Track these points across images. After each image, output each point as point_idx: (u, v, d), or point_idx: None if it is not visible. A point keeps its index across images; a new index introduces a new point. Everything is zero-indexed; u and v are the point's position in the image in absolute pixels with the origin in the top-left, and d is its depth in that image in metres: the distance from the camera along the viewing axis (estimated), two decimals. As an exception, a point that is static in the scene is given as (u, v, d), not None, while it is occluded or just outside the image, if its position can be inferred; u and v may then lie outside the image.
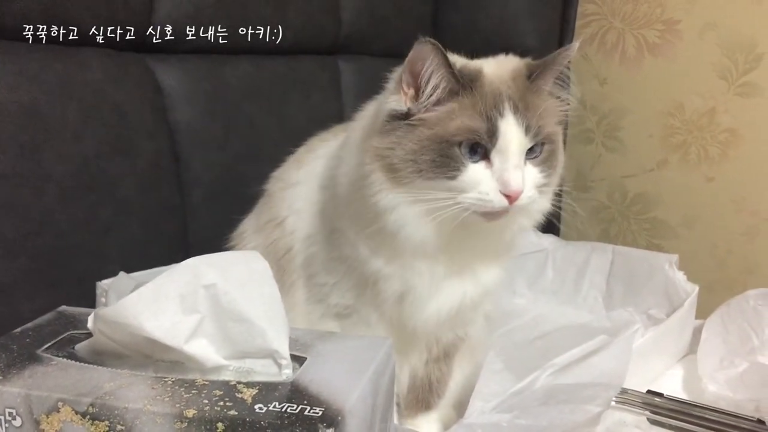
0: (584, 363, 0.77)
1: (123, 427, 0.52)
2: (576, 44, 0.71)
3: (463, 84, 0.67)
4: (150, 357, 0.59)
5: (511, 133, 0.67)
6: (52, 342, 0.62)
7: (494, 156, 0.67)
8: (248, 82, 1.18)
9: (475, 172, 0.67)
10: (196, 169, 1.11)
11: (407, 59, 0.67)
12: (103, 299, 0.90)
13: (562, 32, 1.51)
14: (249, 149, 1.16)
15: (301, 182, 0.84)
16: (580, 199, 1.67)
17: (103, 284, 0.91)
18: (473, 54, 1.47)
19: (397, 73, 0.70)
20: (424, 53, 0.66)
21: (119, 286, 0.89)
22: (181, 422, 0.51)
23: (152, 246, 1.05)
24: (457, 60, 0.71)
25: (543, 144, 0.70)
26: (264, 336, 0.58)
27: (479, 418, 0.66)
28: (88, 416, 0.53)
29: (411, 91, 0.68)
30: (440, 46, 0.66)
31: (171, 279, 0.59)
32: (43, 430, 0.54)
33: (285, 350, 0.59)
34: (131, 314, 0.56)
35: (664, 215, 1.57)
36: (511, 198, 0.66)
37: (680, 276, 1.07)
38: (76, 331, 0.64)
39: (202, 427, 0.51)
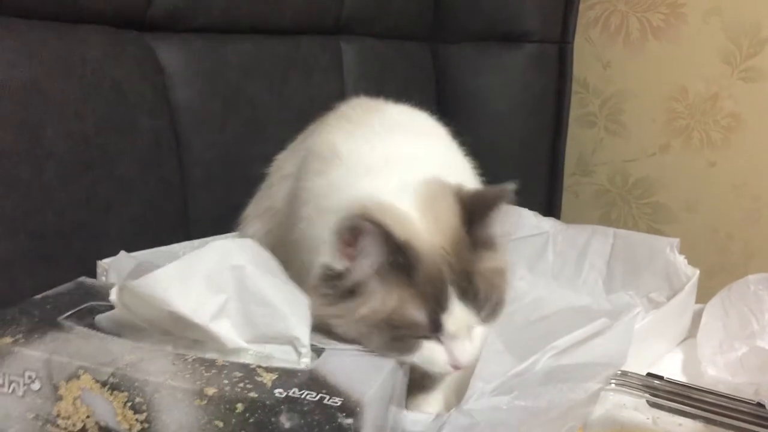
0: (585, 346, 0.77)
1: (142, 399, 0.52)
2: (513, 186, 0.66)
3: (403, 264, 0.62)
4: (170, 334, 0.59)
5: (459, 322, 0.63)
6: (73, 311, 0.62)
7: (443, 337, 0.63)
8: (249, 61, 1.17)
9: (429, 349, 0.63)
10: (197, 148, 1.10)
11: (347, 227, 0.61)
12: (104, 278, 0.90)
13: (565, 15, 1.50)
14: (249, 129, 1.16)
15: (295, 175, 0.82)
16: (581, 183, 1.68)
17: (104, 263, 0.91)
18: (476, 37, 1.47)
19: (337, 228, 0.63)
20: (364, 230, 0.60)
21: (120, 265, 0.89)
22: (201, 399, 0.51)
23: (152, 225, 1.04)
24: (398, 230, 0.62)
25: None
26: (285, 322, 0.58)
27: (478, 401, 0.66)
28: (108, 386, 0.53)
29: (350, 251, 0.62)
30: (383, 224, 0.60)
31: (200, 258, 0.59)
32: (62, 395, 0.54)
33: (306, 338, 0.59)
34: (160, 288, 0.56)
35: (665, 200, 1.57)
36: (458, 367, 0.65)
37: (681, 260, 1.07)
38: (96, 302, 0.64)
39: (222, 406, 0.51)
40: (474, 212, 0.65)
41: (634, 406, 0.84)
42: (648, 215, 1.60)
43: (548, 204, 1.56)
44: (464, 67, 1.49)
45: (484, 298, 0.64)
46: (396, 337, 0.62)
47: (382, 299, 0.62)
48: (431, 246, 0.63)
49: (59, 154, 0.92)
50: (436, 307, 0.62)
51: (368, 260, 0.61)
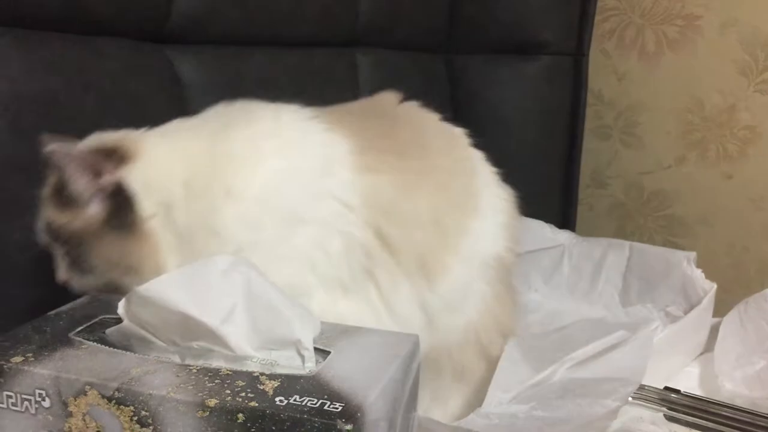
0: (603, 358, 0.77)
1: (147, 413, 0.53)
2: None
3: None
4: (176, 344, 0.59)
5: None
6: (84, 326, 0.63)
7: None
8: (265, 74, 1.18)
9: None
10: (214, 160, 1.11)
11: None
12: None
13: (581, 27, 1.50)
14: (266, 141, 1.16)
15: None
16: (595, 196, 1.67)
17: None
18: (491, 49, 1.47)
19: None
20: None
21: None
22: (203, 411, 0.51)
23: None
24: None
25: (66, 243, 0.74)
26: (289, 325, 0.59)
27: (496, 408, 0.66)
28: (114, 401, 0.53)
29: None
30: None
31: (207, 264, 0.60)
32: (71, 412, 0.55)
33: (309, 341, 0.59)
34: (170, 290, 0.57)
35: (681, 213, 1.57)
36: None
37: (698, 274, 1.07)
38: (107, 316, 0.65)
39: (223, 417, 0.51)
40: None
41: (651, 420, 0.84)
42: (664, 228, 1.59)
43: (563, 217, 1.55)
44: (479, 78, 1.49)
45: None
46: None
47: None
48: None
49: (78, 166, 0.93)
50: None
51: None
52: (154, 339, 0.60)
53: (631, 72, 1.58)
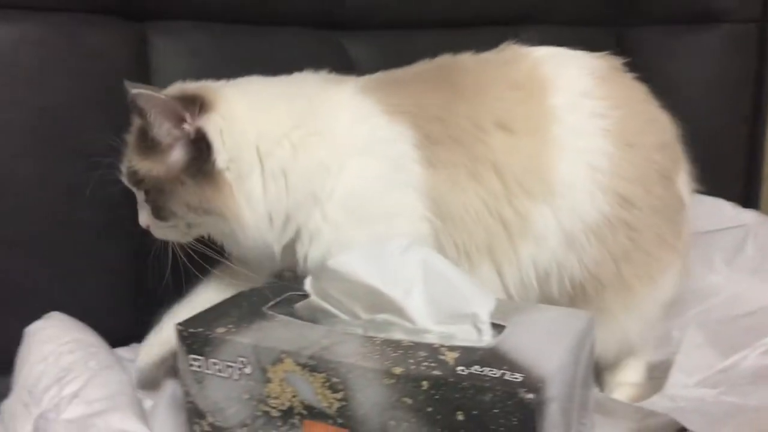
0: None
1: (338, 380, 0.56)
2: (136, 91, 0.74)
3: None
4: (359, 317, 0.62)
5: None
6: (275, 301, 0.69)
7: None
8: (431, 54, 1.19)
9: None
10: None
11: None
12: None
13: (767, -10, 1.39)
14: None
15: None
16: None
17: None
18: (666, 19, 1.40)
19: None
20: None
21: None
22: (389, 378, 0.54)
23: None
24: None
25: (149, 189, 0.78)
26: (466, 300, 0.61)
27: (681, 391, 0.64)
28: (308, 368, 0.58)
29: None
30: None
31: (389, 245, 0.65)
32: (270, 378, 0.60)
33: (485, 316, 0.60)
34: (358, 264, 0.62)
35: None
36: None
37: None
38: (294, 292, 0.70)
39: (409, 384, 0.54)
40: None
41: None
42: None
43: (746, 195, 1.46)
44: (652, 52, 1.42)
45: (125, 169, 0.79)
46: None
47: None
48: None
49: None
50: None
51: None
52: (338, 313, 0.64)
53: (826, 37, 1.44)
